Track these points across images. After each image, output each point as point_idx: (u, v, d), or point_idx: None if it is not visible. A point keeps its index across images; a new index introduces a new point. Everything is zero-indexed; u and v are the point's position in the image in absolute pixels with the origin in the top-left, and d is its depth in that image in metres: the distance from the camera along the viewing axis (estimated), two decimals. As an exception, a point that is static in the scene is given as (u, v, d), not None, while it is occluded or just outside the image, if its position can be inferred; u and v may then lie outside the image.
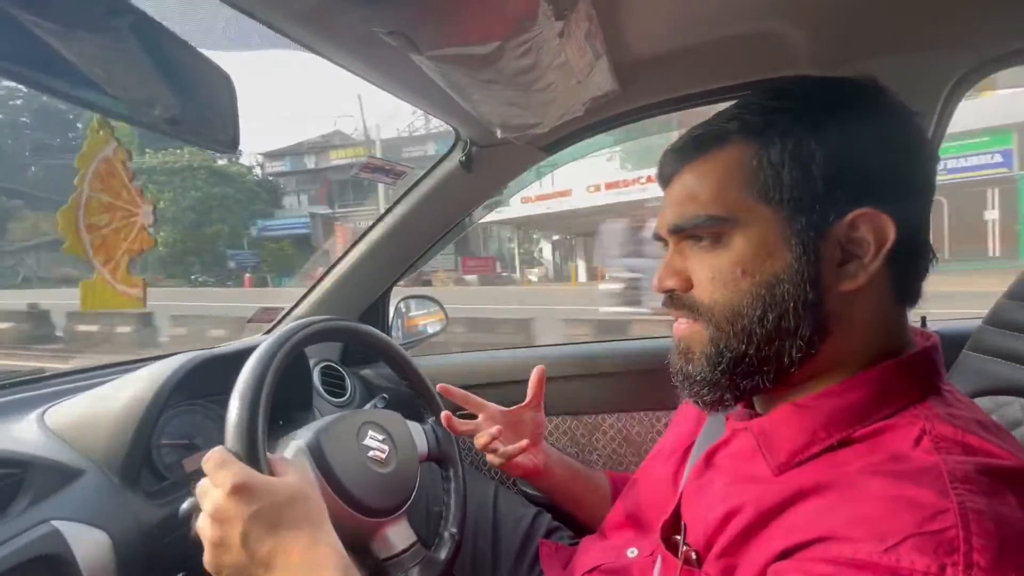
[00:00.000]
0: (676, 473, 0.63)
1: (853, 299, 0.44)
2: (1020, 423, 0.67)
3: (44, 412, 0.71)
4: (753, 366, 0.46)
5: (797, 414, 0.46)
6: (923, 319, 0.91)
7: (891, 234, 0.42)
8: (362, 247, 1.16)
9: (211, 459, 0.50)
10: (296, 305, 1.22)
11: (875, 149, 0.44)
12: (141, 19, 0.45)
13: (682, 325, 0.51)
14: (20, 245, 21.05)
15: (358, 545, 0.63)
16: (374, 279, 1.21)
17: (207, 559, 0.47)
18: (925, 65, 0.78)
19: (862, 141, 0.44)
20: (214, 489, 0.48)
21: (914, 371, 0.44)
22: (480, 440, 0.72)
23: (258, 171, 25.83)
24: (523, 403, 0.79)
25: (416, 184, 1.10)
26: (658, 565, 0.53)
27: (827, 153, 0.43)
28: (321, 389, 1.05)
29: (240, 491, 0.47)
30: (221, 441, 0.53)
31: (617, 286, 8.17)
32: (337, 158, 23.13)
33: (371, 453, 0.67)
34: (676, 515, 0.52)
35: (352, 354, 1.24)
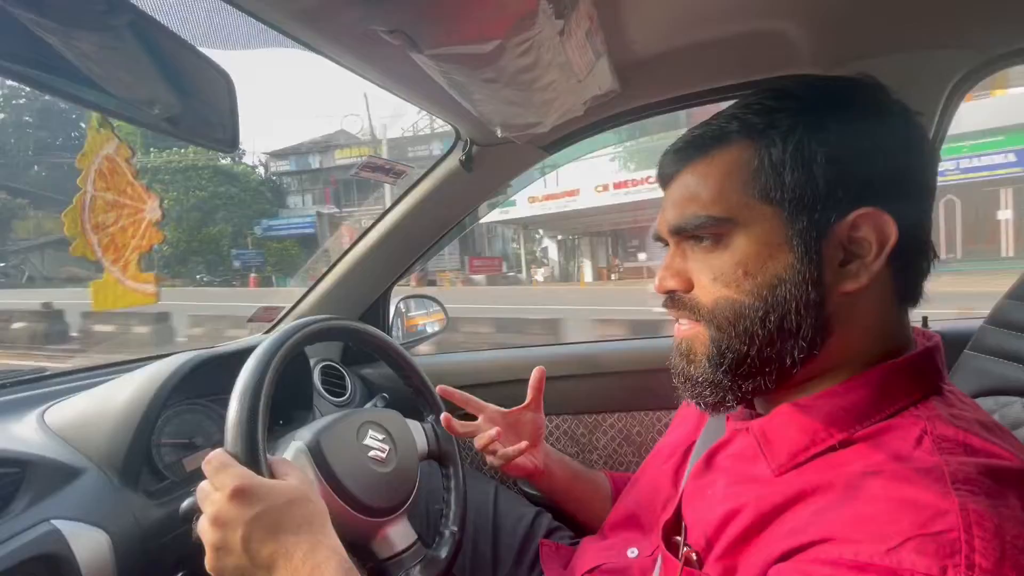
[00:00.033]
0: (676, 473, 0.63)
1: (855, 299, 0.44)
2: (1022, 423, 0.67)
3: (44, 411, 0.71)
4: (755, 367, 0.46)
5: (798, 414, 0.45)
6: (924, 319, 0.90)
7: (893, 234, 0.42)
8: (362, 247, 1.16)
9: (211, 462, 0.50)
10: (296, 304, 1.22)
11: (877, 149, 0.43)
12: (140, 18, 0.45)
13: (683, 326, 0.51)
14: (25, 244, 21.13)
15: (359, 545, 0.63)
16: (374, 279, 1.21)
17: (208, 562, 0.48)
18: (926, 64, 0.78)
19: (863, 141, 0.43)
20: (215, 492, 0.48)
21: (915, 371, 0.44)
22: (480, 441, 0.73)
23: (262, 171, 25.85)
24: (523, 404, 0.79)
25: (416, 184, 1.10)
26: (658, 565, 0.53)
27: (828, 153, 0.43)
28: (321, 389, 1.05)
29: (241, 495, 0.47)
30: (221, 441, 0.53)
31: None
32: (342, 157, 23.11)
33: (371, 453, 0.67)
34: (677, 516, 0.52)
35: (353, 353, 1.24)
